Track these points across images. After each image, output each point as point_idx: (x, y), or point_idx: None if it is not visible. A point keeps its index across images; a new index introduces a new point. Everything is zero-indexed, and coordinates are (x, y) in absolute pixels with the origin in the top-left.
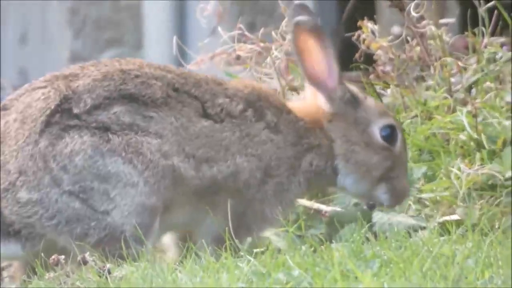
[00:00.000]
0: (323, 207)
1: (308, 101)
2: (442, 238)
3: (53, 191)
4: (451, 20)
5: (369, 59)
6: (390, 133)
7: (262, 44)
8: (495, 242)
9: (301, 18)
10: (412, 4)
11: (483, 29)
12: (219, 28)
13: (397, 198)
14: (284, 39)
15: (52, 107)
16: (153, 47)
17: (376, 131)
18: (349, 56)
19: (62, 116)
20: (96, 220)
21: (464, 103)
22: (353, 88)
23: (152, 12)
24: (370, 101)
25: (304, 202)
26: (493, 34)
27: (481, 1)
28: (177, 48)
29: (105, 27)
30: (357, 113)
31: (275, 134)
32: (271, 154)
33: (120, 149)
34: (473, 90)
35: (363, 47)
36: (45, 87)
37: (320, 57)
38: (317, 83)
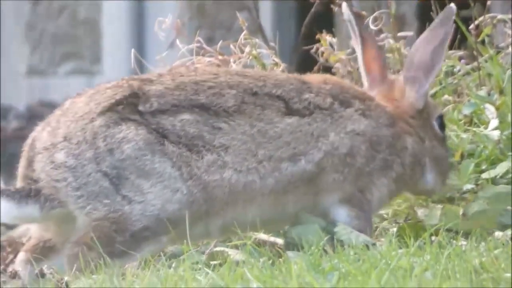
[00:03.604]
0: (278, 240)
1: (389, 95)
2: (400, 250)
3: (90, 165)
4: (409, 33)
5: (328, 72)
6: (441, 123)
7: (220, 57)
8: (453, 255)
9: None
10: (371, 18)
11: None
12: (178, 41)
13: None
14: (242, 52)
15: (119, 97)
16: (111, 60)
17: (434, 124)
18: (308, 69)
19: (125, 108)
20: (113, 200)
21: None
22: None
23: (110, 26)
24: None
25: (259, 235)
26: (451, 47)
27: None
28: (135, 61)
29: (62, 41)
30: (426, 109)
31: (366, 118)
32: (371, 131)
33: (172, 155)
34: None
35: (321, 60)
36: (120, 81)
37: (436, 49)
38: (416, 77)
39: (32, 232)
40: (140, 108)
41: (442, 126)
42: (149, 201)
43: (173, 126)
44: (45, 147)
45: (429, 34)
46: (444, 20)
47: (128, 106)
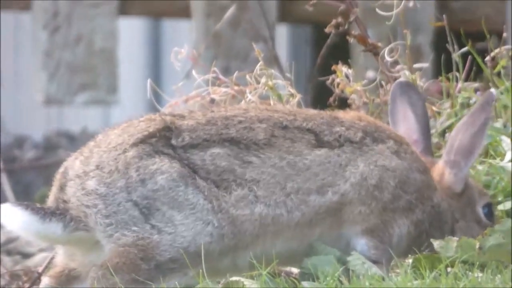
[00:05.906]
0: (294, 270)
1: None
2: (415, 282)
3: (121, 194)
4: (425, 64)
5: (343, 103)
6: (489, 211)
7: (236, 88)
8: (469, 287)
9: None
10: (386, 49)
11: (457, 74)
12: (194, 72)
13: None
14: (258, 82)
15: (152, 130)
16: (128, 90)
17: (480, 210)
18: (323, 100)
19: (158, 141)
20: (142, 228)
21: (438, 147)
22: None
23: (127, 56)
24: (471, 180)
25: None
26: (466, 79)
27: (455, 46)
28: (152, 91)
29: (79, 70)
30: (467, 193)
31: (399, 158)
32: (402, 170)
33: (204, 189)
34: (447, 135)
35: (337, 91)
36: (153, 115)
37: (476, 134)
38: (456, 161)
39: (58, 260)
40: (173, 142)
41: (490, 214)
42: (179, 232)
43: (202, 161)
44: (77, 175)
45: (469, 118)
46: (484, 105)
47: (161, 139)
